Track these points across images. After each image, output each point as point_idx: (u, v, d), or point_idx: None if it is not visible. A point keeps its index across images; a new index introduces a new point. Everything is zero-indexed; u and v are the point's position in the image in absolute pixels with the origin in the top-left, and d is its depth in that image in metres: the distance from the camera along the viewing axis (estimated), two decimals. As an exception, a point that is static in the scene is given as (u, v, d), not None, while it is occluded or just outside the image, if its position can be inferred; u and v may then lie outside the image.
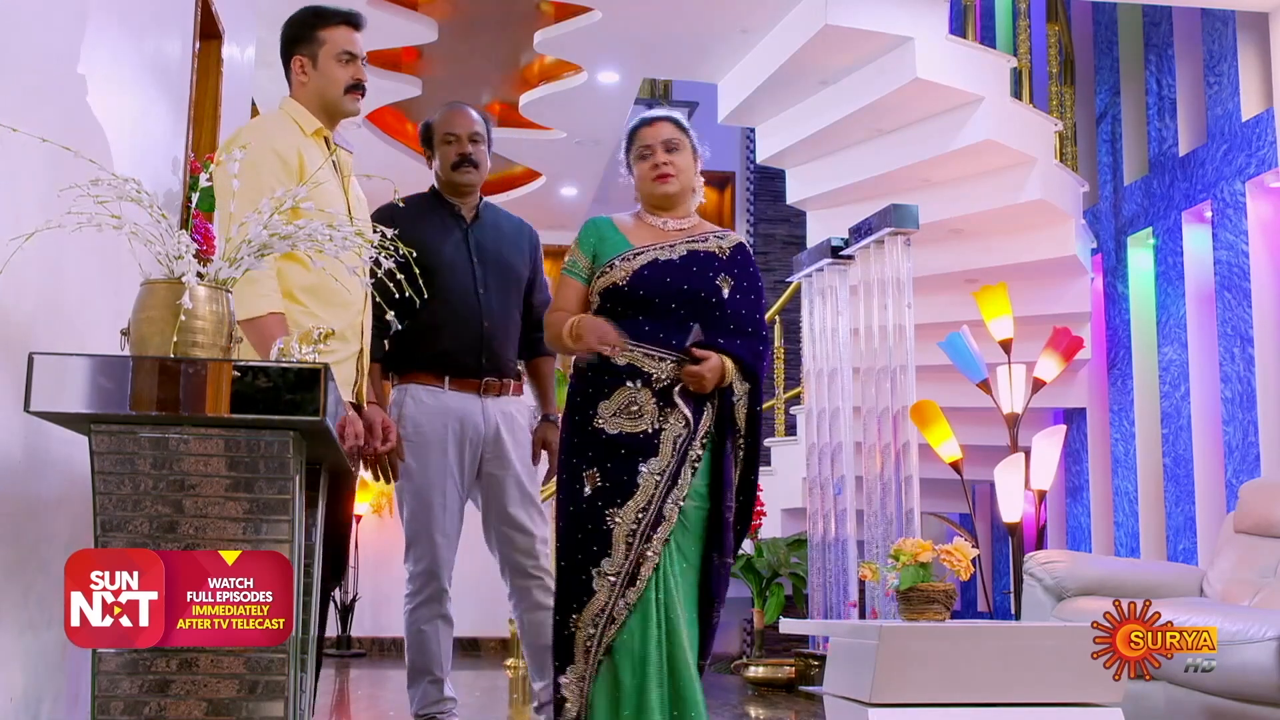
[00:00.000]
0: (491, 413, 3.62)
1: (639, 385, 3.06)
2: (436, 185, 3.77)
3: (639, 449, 3.04)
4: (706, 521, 3.09)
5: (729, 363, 3.09)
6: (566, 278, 3.21)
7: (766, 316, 7.38)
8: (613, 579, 2.99)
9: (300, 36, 3.06)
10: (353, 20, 3.08)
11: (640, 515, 3.01)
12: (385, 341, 3.47)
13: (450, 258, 3.61)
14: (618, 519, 3.01)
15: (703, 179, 3.29)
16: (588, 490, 3.05)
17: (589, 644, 2.99)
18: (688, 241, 3.19)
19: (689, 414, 3.06)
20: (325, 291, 2.83)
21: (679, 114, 3.35)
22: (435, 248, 3.55)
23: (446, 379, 3.59)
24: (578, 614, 3.01)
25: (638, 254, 3.14)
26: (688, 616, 3.03)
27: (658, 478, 3.03)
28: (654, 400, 3.05)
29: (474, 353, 3.59)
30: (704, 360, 3.04)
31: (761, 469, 6.92)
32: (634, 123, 3.30)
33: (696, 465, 3.07)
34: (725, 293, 3.15)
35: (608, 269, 3.13)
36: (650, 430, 3.05)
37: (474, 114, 3.76)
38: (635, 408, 3.06)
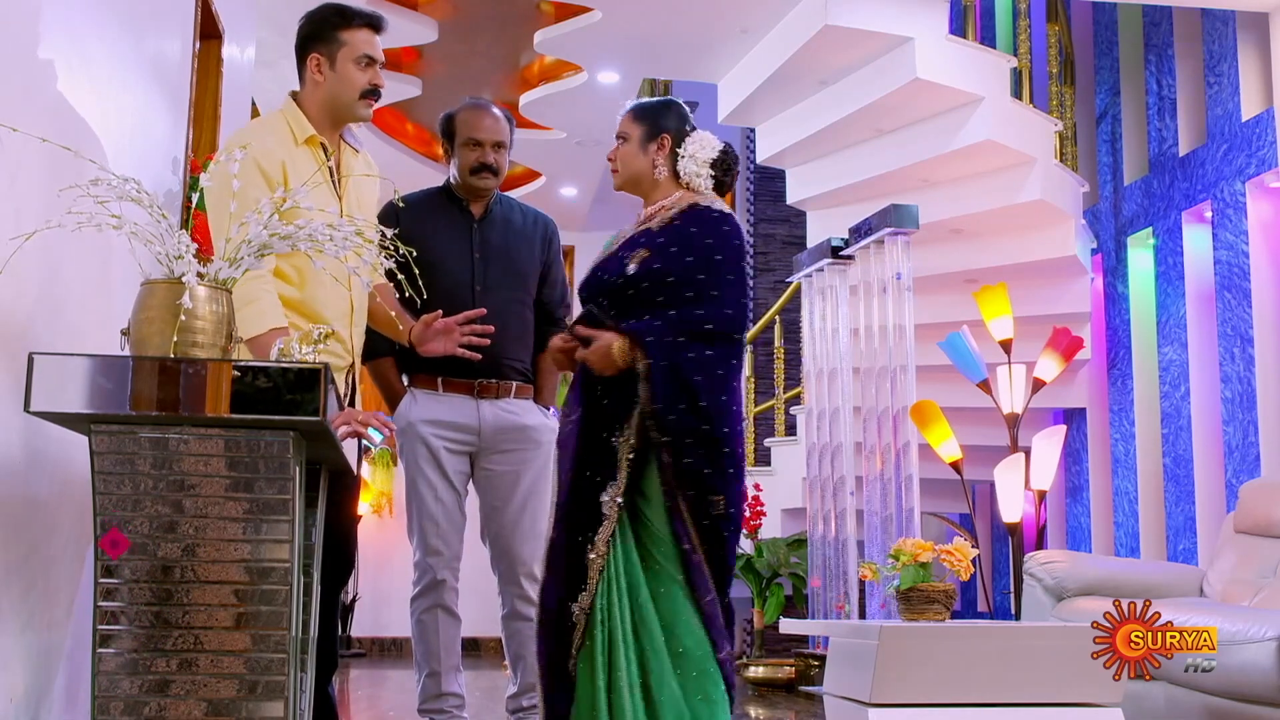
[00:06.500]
0: (487, 415, 3.57)
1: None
2: (451, 181, 3.70)
3: (563, 440, 3.00)
4: (670, 528, 2.81)
5: (619, 343, 2.81)
6: None
7: (765, 316, 7.48)
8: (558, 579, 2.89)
9: (319, 34, 2.96)
10: (375, 23, 3.00)
11: (558, 510, 2.92)
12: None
13: (449, 255, 3.57)
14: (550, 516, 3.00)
15: (685, 155, 3.01)
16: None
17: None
18: (643, 224, 3.03)
19: (587, 403, 2.90)
20: (307, 306, 2.83)
21: (641, 100, 3.19)
22: (435, 245, 3.50)
23: (440, 380, 3.57)
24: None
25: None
26: (685, 621, 2.84)
27: (569, 465, 2.91)
28: None
29: None
30: (591, 339, 2.86)
31: (761, 469, 6.88)
32: None
33: (630, 458, 2.81)
34: (631, 268, 2.89)
35: None
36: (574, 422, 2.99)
37: (500, 119, 3.67)
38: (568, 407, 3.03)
